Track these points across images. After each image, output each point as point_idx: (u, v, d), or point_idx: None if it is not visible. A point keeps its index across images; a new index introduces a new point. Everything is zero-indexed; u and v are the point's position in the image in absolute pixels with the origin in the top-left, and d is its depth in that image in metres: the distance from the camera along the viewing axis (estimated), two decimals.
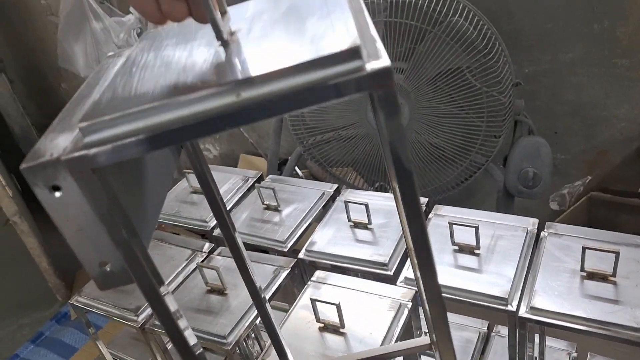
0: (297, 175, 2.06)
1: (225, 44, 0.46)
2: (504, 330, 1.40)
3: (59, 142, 0.43)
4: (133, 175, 0.49)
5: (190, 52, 0.48)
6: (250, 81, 0.39)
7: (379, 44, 0.41)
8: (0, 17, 2.89)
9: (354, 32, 0.40)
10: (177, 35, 0.49)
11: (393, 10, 1.50)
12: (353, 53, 0.38)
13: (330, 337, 0.92)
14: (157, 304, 0.49)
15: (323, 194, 1.31)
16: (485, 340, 1.39)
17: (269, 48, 0.44)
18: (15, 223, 2.29)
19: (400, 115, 0.40)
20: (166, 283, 1.09)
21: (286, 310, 1.03)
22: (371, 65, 0.38)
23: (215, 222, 1.30)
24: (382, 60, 0.38)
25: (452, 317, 1.37)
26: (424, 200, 1.21)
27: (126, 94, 0.43)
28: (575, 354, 1.30)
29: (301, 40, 0.43)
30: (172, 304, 0.50)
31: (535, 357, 1.15)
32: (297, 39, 0.43)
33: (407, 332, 0.95)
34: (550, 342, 1.27)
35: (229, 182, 1.42)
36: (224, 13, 0.50)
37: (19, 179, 2.89)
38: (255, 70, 0.40)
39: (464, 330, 1.41)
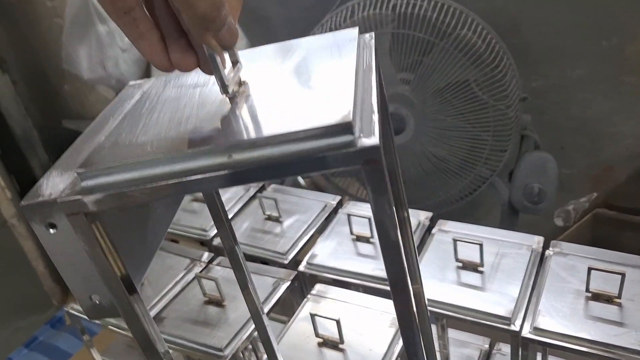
0: (299, 185, 2.04)
1: (231, 97, 0.48)
2: (505, 348, 1.38)
3: (58, 183, 0.46)
4: (129, 218, 0.51)
5: (200, 98, 0.50)
6: (242, 145, 0.41)
7: (375, 116, 0.42)
8: (5, 17, 2.88)
9: (349, 104, 0.41)
10: (196, 73, 0.49)
11: (400, 21, 1.49)
12: (344, 128, 0.39)
13: (329, 352, 0.90)
14: (148, 345, 0.50)
15: (325, 205, 1.30)
16: (486, 358, 1.37)
17: (270, 108, 0.46)
18: (14, 225, 2.28)
19: (388, 193, 0.40)
20: (164, 292, 1.07)
21: (285, 323, 1.02)
22: (362, 142, 0.39)
23: (216, 231, 1.29)
24: (373, 138, 0.39)
25: (452, 334, 1.35)
26: (428, 215, 1.19)
27: (127, 141, 0.45)
28: None
29: (300, 103, 0.44)
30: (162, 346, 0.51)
31: None
32: (297, 101, 0.45)
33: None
34: None
35: (230, 191, 1.40)
36: (235, 62, 0.51)
37: (19, 180, 2.88)
38: (249, 133, 0.42)
39: (464, 347, 1.39)
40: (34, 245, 2.32)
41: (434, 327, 1.21)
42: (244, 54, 0.54)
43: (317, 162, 0.40)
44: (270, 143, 0.40)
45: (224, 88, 0.47)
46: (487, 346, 1.39)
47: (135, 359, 1.42)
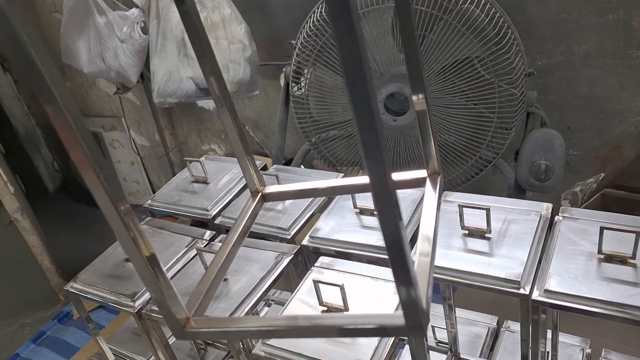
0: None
1: None
2: (513, 325, 1.35)
3: None
4: None
5: None
6: None
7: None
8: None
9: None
10: None
11: None
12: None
13: None
14: None
15: None
16: (494, 336, 1.34)
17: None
18: (17, 220, 2.26)
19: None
20: (165, 268, 1.05)
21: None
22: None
23: (217, 210, 1.27)
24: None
25: (460, 313, 1.32)
26: None
27: None
28: (589, 350, 1.25)
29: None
30: None
31: (548, 353, 1.10)
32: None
33: None
34: (563, 337, 1.22)
35: (231, 172, 1.38)
36: None
37: (23, 179, 2.88)
38: None
39: (472, 325, 1.37)
40: (39, 240, 2.31)
41: (440, 307, 1.19)
42: None
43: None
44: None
45: None
46: (495, 324, 1.36)
47: (140, 346, 1.40)
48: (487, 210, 0.95)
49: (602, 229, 0.86)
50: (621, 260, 0.86)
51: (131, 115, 2.91)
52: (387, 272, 0.95)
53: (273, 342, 0.85)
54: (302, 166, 1.99)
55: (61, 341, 2.23)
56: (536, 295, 0.85)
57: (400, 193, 1.11)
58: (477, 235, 0.97)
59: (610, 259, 0.87)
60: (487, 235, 0.96)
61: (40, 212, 2.48)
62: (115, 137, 3.01)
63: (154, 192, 3.13)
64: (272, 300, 1.45)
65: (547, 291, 0.85)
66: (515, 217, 1.00)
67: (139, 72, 2.21)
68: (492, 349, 1.30)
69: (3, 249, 2.71)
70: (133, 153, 3.00)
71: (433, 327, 1.19)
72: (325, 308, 0.89)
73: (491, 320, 1.36)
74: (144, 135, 2.97)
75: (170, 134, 2.83)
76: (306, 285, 0.96)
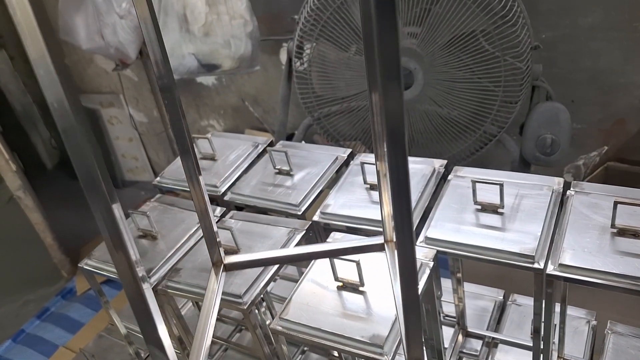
0: None
1: None
2: (520, 299, 1.37)
3: None
4: None
5: None
6: None
7: None
8: None
9: None
10: None
11: None
12: None
13: (349, 295, 0.88)
14: None
15: (336, 158, 1.27)
16: (501, 309, 1.36)
17: None
18: (20, 198, 2.26)
19: None
20: (177, 247, 1.05)
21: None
22: None
23: (226, 187, 1.27)
24: None
25: (467, 287, 1.33)
26: (442, 162, 1.17)
27: None
28: (595, 322, 1.27)
29: None
30: None
31: (555, 325, 1.12)
32: None
33: (429, 292, 0.91)
34: (569, 310, 1.24)
35: (238, 149, 1.38)
36: None
37: (21, 156, 2.86)
38: None
39: (479, 299, 1.38)
40: (41, 217, 2.31)
41: (449, 281, 1.20)
42: None
43: None
44: None
45: None
46: (501, 297, 1.38)
47: None
48: (501, 185, 0.95)
49: (615, 203, 0.87)
50: (634, 233, 0.87)
51: (129, 92, 2.89)
52: None
53: (290, 316, 0.86)
54: (302, 141, 1.99)
55: (66, 317, 2.25)
56: (550, 270, 0.86)
57: (411, 168, 1.11)
58: (489, 211, 0.98)
59: (623, 232, 0.88)
60: (499, 210, 0.97)
61: (40, 189, 2.47)
62: (114, 114, 2.99)
63: (152, 168, 3.13)
64: (278, 276, 1.46)
65: (561, 265, 0.86)
66: (527, 192, 1.00)
67: (138, 49, 2.19)
68: (499, 322, 1.32)
69: (4, 226, 2.70)
70: (131, 129, 2.99)
71: (441, 301, 1.20)
72: (340, 284, 0.89)
73: (497, 294, 1.38)
74: (142, 111, 2.95)
75: None
76: (320, 261, 0.97)
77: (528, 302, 1.34)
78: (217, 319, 1.40)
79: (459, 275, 1.17)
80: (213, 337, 1.14)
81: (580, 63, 1.70)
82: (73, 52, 2.82)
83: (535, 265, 0.88)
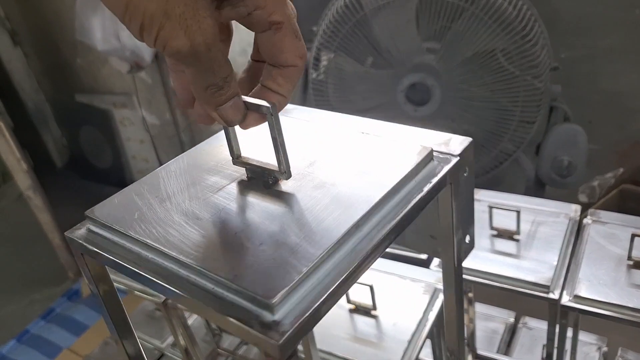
0: None
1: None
2: (531, 322, 1.36)
3: None
4: None
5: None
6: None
7: None
8: None
9: None
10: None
11: None
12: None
13: (361, 319, 0.87)
14: None
15: None
16: (512, 332, 1.34)
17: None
18: (30, 197, 2.26)
19: None
20: None
21: None
22: None
23: None
24: None
25: (477, 307, 1.32)
26: None
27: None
28: (605, 349, 1.26)
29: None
30: None
31: (567, 351, 1.10)
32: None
33: (441, 317, 0.90)
34: (580, 335, 1.23)
35: None
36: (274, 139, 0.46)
37: (32, 154, 2.86)
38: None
39: (489, 320, 1.37)
40: (50, 217, 2.31)
41: None
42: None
43: None
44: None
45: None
46: (512, 320, 1.36)
47: (154, 329, 1.40)
48: (518, 212, 0.94)
49: (633, 235, 0.85)
50: None
51: (142, 94, 2.89)
52: (414, 271, 0.95)
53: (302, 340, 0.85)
54: None
55: (71, 318, 2.24)
56: (565, 301, 0.85)
57: None
58: (505, 237, 0.97)
59: (639, 265, 0.87)
60: (515, 237, 0.96)
61: (49, 188, 2.47)
62: (126, 115, 3.00)
63: None
64: None
65: (576, 297, 0.85)
66: (544, 219, 0.99)
67: (154, 52, 2.19)
68: (509, 344, 1.31)
69: (12, 225, 2.71)
70: (143, 131, 2.99)
71: None
72: (352, 306, 0.89)
73: (508, 316, 1.37)
74: (154, 113, 2.95)
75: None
76: None
77: (539, 325, 1.33)
78: (224, 330, 1.40)
79: (470, 295, 1.16)
80: (220, 348, 1.14)
81: (598, 84, 1.68)
82: (88, 52, 2.83)
83: (551, 296, 0.87)
